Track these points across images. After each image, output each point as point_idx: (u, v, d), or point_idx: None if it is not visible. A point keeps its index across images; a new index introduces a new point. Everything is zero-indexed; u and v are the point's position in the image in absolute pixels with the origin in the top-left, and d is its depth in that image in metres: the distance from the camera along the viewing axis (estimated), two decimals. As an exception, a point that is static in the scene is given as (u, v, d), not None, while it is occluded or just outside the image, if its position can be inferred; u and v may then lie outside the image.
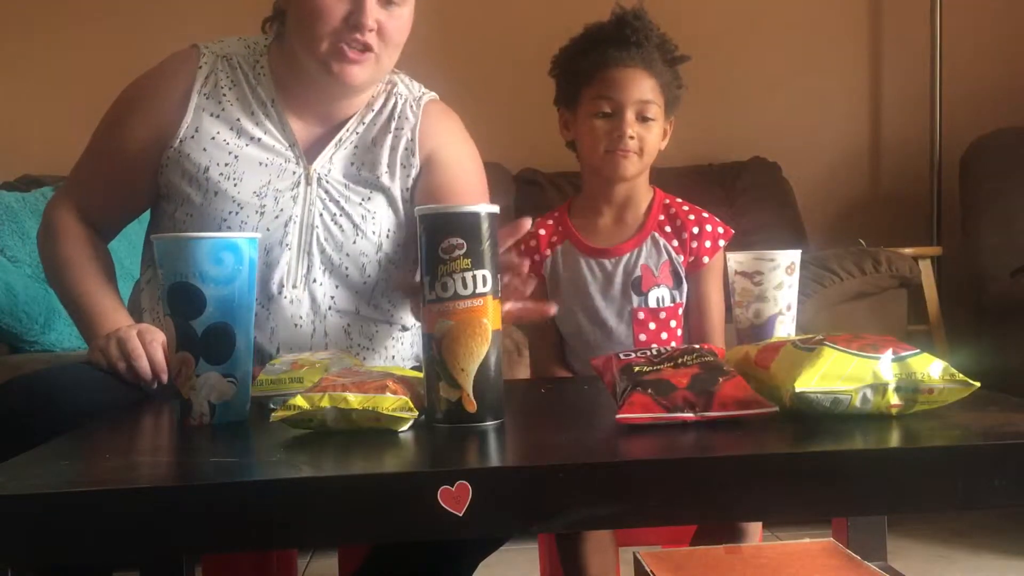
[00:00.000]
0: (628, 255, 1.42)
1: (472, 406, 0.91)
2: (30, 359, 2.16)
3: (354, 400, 0.89)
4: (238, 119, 1.40)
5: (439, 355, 0.92)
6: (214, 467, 0.86)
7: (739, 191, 2.93)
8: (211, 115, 1.40)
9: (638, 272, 1.41)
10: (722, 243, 1.43)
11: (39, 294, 2.27)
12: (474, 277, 0.91)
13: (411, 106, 1.48)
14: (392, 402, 0.89)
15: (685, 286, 1.43)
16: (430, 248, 0.93)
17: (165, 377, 1.22)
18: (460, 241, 0.91)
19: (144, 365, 1.23)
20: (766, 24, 3.16)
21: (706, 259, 1.42)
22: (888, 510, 1.11)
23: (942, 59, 3.13)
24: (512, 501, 0.75)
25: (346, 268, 1.40)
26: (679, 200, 1.47)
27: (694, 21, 2.96)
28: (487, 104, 2.99)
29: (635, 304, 1.41)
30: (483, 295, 0.92)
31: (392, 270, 1.44)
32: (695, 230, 1.42)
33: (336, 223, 1.40)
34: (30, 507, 0.71)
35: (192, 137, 1.39)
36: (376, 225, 1.42)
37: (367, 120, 1.46)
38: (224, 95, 1.41)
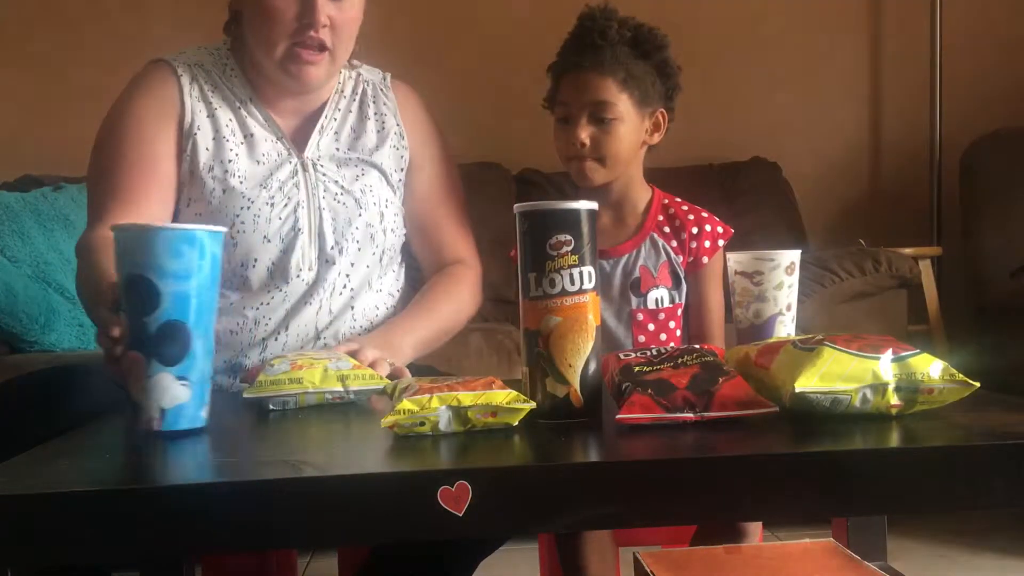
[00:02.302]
0: (627, 256, 1.42)
1: (579, 401, 0.92)
2: (30, 359, 2.16)
3: (466, 398, 0.87)
4: (230, 119, 1.45)
5: (546, 351, 0.92)
6: (214, 467, 0.86)
7: (739, 191, 2.93)
8: (207, 117, 1.44)
9: (637, 273, 1.41)
10: (721, 243, 1.42)
11: (39, 294, 2.27)
12: (580, 273, 0.92)
13: (382, 90, 1.56)
14: (505, 396, 0.88)
15: (684, 287, 1.42)
16: (536, 244, 0.93)
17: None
18: (568, 238, 0.92)
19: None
20: (766, 24, 3.16)
21: (705, 259, 1.41)
22: (888, 510, 1.11)
23: (942, 59, 3.13)
24: (512, 501, 0.75)
25: (358, 241, 1.45)
26: (678, 200, 1.46)
27: (695, 22, 2.96)
28: (488, 104, 2.99)
29: (634, 305, 1.40)
30: (588, 291, 0.93)
31: (394, 239, 1.51)
32: (694, 230, 1.41)
33: (339, 201, 1.45)
34: (30, 507, 0.71)
35: (197, 132, 1.42)
36: (375, 196, 1.48)
37: (341, 106, 1.52)
38: (210, 98, 1.45)
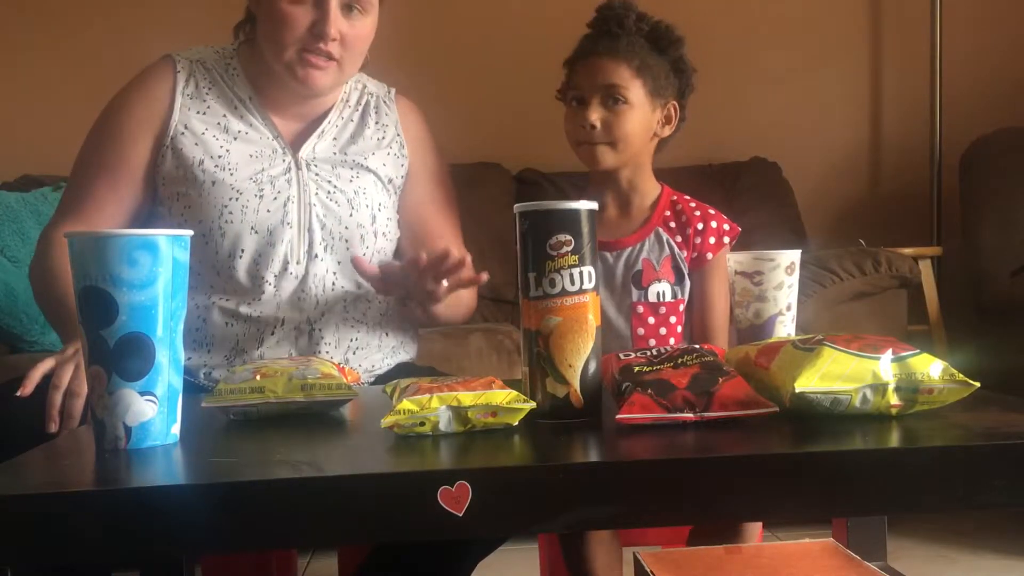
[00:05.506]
0: (630, 249, 1.42)
1: (580, 402, 0.93)
2: (30, 359, 2.14)
3: (466, 398, 0.87)
4: (224, 115, 1.46)
5: (547, 351, 0.93)
6: (214, 467, 0.86)
7: (739, 191, 2.93)
8: (198, 113, 1.45)
9: (639, 266, 1.41)
10: (727, 240, 1.42)
11: (39, 294, 2.27)
12: (580, 273, 0.93)
13: (385, 102, 1.59)
14: (505, 396, 0.88)
15: (688, 283, 1.43)
16: (536, 245, 0.93)
17: (67, 424, 1.18)
18: (568, 238, 0.92)
19: (55, 400, 1.18)
20: (766, 24, 3.16)
21: (709, 255, 1.41)
22: (888, 510, 1.11)
23: (942, 59, 3.13)
24: (512, 501, 0.75)
25: (346, 241, 1.46)
26: (687, 197, 1.47)
27: (694, 21, 2.95)
28: (487, 104, 2.99)
29: (634, 298, 1.41)
30: (588, 291, 0.93)
31: (385, 243, 1.51)
32: (699, 226, 1.42)
33: (332, 199, 1.46)
34: (30, 507, 0.71)
35: (183, 133, 1.44)
36: (368, 199, 1.49)
37: (344, 115, 1.54)
38: (206, 95, 1.47)
